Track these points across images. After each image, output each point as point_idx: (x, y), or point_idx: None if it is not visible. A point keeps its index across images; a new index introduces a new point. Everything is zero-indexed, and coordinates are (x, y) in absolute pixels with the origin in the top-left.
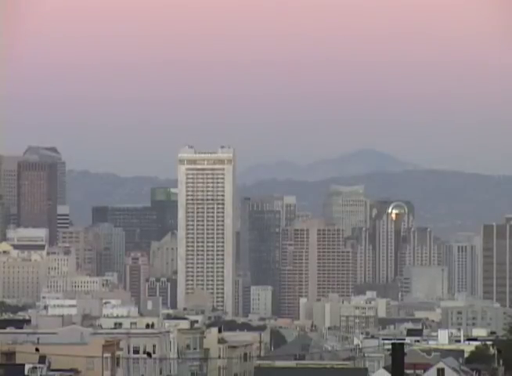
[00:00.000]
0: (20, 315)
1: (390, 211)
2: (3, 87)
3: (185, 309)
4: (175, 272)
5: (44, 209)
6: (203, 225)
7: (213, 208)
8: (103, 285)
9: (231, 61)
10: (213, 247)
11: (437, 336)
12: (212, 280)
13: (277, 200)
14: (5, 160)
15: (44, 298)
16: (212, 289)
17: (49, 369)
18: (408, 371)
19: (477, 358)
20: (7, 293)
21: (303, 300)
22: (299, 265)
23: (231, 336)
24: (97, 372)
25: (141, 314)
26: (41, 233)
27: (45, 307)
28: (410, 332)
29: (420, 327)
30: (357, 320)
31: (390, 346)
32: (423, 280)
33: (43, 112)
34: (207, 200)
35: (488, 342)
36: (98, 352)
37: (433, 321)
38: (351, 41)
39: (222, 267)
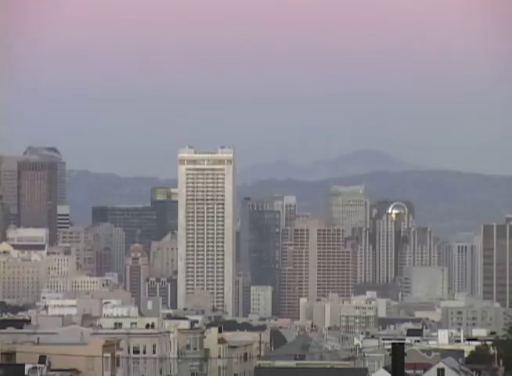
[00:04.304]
0: (20, 315)
1: (390, 211)
2: (3, 87)
3: (185, 309)
4: (175, 272)
5: (44, 209)
6: (203, 225)
7: (213, 208)
8: (103, 285)
9: (231, 61)
10: (213, 247)
11: (437, 336)
12: (212, 280)
13: (277, 200)
14: (5, 160)
15: (44, 298)
16: (212, 289)
17: (49, 369)
18: (408, 371)
19: (477, 358)
20: (7, 293)
21: (303, 300)
22: (299, 265)
23: (231, 336)
24: (97, 372)
25: (141, 314)
26: (41, 233)
27: (45, 307)
28: (410, 332)
29: (420, 327)
30: (357, 320)
31: (390, 346)
32: (423, 280)
33: (43, 112)
34: (207, 200)
35: (488, 342)
36: (98, 352)
37: (433, 321)
38: (351, 41)
39: (222, 267)
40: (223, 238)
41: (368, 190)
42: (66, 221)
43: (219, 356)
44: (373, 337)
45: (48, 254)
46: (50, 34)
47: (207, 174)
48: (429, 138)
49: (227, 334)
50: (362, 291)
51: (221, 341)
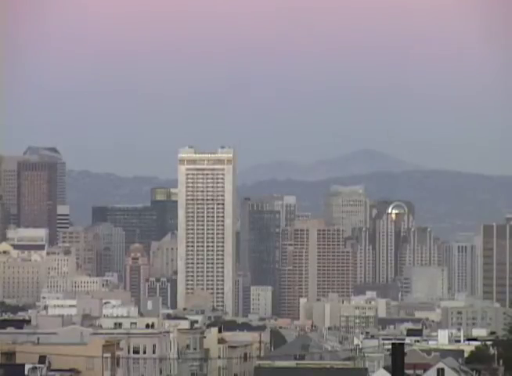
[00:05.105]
0: (20, 315)
1: (390, 211)
2: (3, 87)
3: (185, 309)
4: (175, 272)
5: (44, 209)
6: (203, 225)
7: (213, 208)
8: (103, 285)
9: (231, 60)
10: (213, 247)
11: (437, 336)
12: (212, 280)
13: (277, 200)
14: (5, 160)
15: (44, 298)
16: (212, 289)
17: (49, 369)
18: (408, 371)
19: (477, 358)
20: (7, 293)
21: (303, 300)
22: (299, 265)
23: (231, 336)
24: (97, 372)
25: (141, 314)
26: (41, 233)
27: (45, 307)
28: (410, 332)
29: (420, 327)
30: (357, 320)
31: (390, 346)
32: (423, 280)
33: (43, 112)
34: (207, 200)
35: (488, 342)
36: (98, 352)
37: (433, 321)
38: (352, 39)
39: (222, 267)
40: (223, 238)
41: (368, 190)
42: (66, 221)
43: (219, 356)
44: (372, 337)
45: (48, 254)
46: (50, 34)
47: (207, 174)
48: (429, 138)
49: (227, 334)
50: (361, 291)
51: (221, 341)
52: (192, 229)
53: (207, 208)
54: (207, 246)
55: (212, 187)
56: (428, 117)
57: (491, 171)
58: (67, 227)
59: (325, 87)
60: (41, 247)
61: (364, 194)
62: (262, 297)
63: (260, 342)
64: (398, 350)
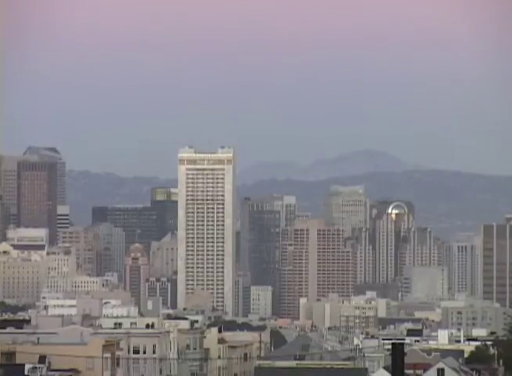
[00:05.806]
0: (20, 315)
1: (390, 211)
2: (2, 87)
3: (185, 309)
4: (175, 272)
5: (44, 209)
6: (203, 225)
7: (213, 208)
8: (103, 285)
9: (231, 60)
10: (213, 247)
11: (437, 336)
12: (212, 280)
13: (277, 200)
14: (5, 160)
15: (44, 298)
16: (212, 289)
17: (49, 369)
18: (408, 371)
19: (477, 358)
20: (7, 293)
21: (303, 300)
22: (299, 265)
23: (231, 336)
24: (97, 372)
25: (141, 314)
26: (41, 233)
27: (45, 307)
28: (410, 332)
29: (420, 327)
30: (357, 320)
31: (390, 346)
32: (423, 280)
33: (43, 112)
34: (207, 200)
35: (488, 342)
36: (98, 352)
37: (433, 321)
38: (353, 39)
39: (222, 267)
40: (223, 238)
41: (368, 190)
42: (66, 221)
43: (219, 356)
44: (372, 337)
45: (48, 254)
46: (50, 34)
47: (207, 174)
48: (429, 138)
49: (227, 334)
50: (362, 291)
51: (221, 341)
52: (192, 229)
53: (207, 208)
54: (207, 246)
55: (212, 187)
56: (428, 117)
57: (491, 171)
58: (67, 227)
59: (325, 86)
60: (41, 247)
61: (364, 194)
62: (262, 297)
63: (260, 342)
64: (398, 350)
